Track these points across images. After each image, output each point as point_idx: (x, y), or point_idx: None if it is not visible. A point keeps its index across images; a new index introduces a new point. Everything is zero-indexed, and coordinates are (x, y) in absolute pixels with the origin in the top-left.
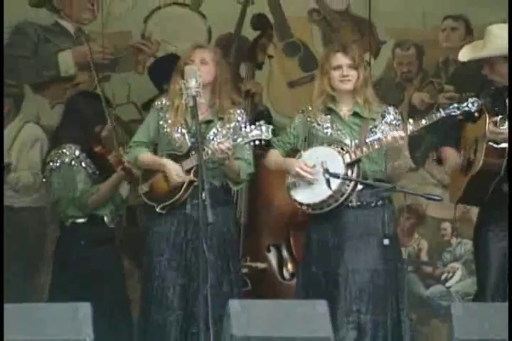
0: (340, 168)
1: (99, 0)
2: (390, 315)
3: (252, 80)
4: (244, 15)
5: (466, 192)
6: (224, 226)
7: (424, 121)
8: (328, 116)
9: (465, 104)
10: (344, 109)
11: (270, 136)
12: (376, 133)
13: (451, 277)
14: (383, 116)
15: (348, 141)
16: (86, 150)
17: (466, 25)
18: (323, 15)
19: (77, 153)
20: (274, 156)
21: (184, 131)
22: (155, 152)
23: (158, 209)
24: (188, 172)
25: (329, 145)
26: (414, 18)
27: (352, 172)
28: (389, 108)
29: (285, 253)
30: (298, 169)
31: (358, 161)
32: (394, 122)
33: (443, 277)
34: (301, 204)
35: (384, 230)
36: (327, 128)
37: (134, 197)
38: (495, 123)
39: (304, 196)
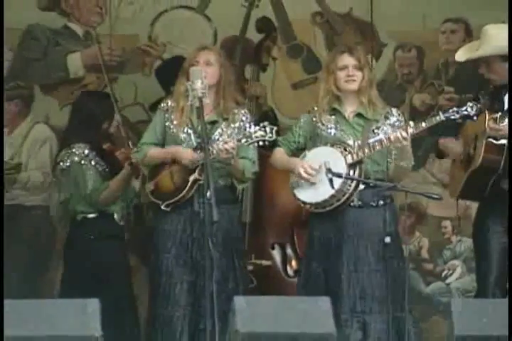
0: (342, 168)
1: (107, 3)
2: (393, 314)
3: (257, 82)
4: (249, 18)
5: (466, 187)
6: (229, 224)
7: (424, 124)
8: (333, 117)
9: (464, 108)
10: (349, 110)
11: (274, 137)
12: (379, 134)
13: (451, 274)
14: (386, 118)
15: (350, 142)
16: (95, 148)
17: (466, 28)
18: (325, 19)
19: (86, 151)
20: (280, 155)
21: (190, 131)
22: None
23: (163, 207)
24: (193, 171)
25: (332, 145)
26: (414, 21)
27: (354, 173)
28: (392, 109)
29: (289, 251)
30: (301, 170)
31: (360, 162)
32: (397, 124)
33: (443, 274)
34: (304, 203)
35: (385, 229)
36: (331, 128)
37: (143, 195)
38: (495, 120)
39: (307, 195)
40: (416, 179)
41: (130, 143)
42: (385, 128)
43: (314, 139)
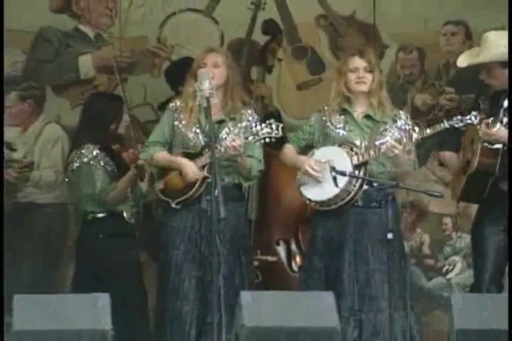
0: (347, 169)
1: (117, 6)
2: (395, 311)
3: (263, 83)
4: (255, 21)
5: (465, 190)
6: (236, 221)
7: (428, 131)
8: (342, 117)
9: (468, 116)
10: (358, 111)
11: (281, 133)
12: (386, 136)
13: (452, 269)
14: (394, 121)
15: (358, 142)
16: (104, 149)
17: (466, 30)
18: (329, 21)
19: (95, 152)
20: (289, 151)
21: (198, 130)
22: (170, 151)
23: (173, 205)
24: (201, 169)
25: (340, 145)
26: (416, 24)
27: (359, 173)
28: (400, 112)
29: (294, 247)
30: (307, 167)
31: (365, 163)
32: (404, 127)
33: (444, 269)
34: (309, 200)
35: (388, 226)
36: (340, 128)
37: (152, 194)
38: (487, 125)
39: (312, 193)
40: (417, 177)
41: (139, 145)
42: (392, 131)
43: (323, 138)
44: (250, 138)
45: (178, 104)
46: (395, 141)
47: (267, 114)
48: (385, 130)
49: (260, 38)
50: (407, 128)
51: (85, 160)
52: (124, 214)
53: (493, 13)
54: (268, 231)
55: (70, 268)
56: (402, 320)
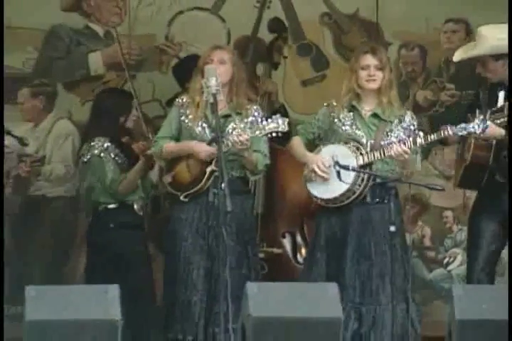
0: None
1: (127, 5)
2: (396, 304)
3: (269, 79)
4: (261, 19)
5: (463, 180)
6: (242, 214)
7: (432, 137)
8: (351, 113)
9: (471, 125)
10: (366, 109)
11: (287, 128)
12: (391, 136)
13: (453, 261)
14: (400, 121)
15: (364, 140)
16: (114, 142)
17: (466, 28)
18: (333, 19)
19: (105, 145)
20: (297, 142)
21: (205, 125)
22: None
23: (182, 198)
24: (209, 163)
25: (346, 142)
26: (418, 22)
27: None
28: (407, 112)
29: (299, 239)
30: (315, 168)
31: (371, 163)
32: (410, 127)
33: (445, 261)
34: (315, 197)
35: (390, 220)
36: (347, 125)
37: (161, 187)
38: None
39: (319, 190)
40: (419, 171)
41: (150, 135)
42: (397, 132)
43: (330, 134)
44: (257, 132)
45: (184, 99)
46: (400, 141)
47: (273, 111)
48: (391, 130)
49: (266, 35)
50: (412, 128)
51: (96, 152)
52: (135, 206)
53: (493, 11)
54: (274, 224)
55: (80, 260)
56: (403, 312)
